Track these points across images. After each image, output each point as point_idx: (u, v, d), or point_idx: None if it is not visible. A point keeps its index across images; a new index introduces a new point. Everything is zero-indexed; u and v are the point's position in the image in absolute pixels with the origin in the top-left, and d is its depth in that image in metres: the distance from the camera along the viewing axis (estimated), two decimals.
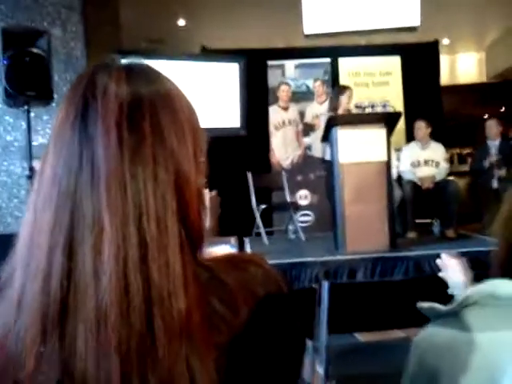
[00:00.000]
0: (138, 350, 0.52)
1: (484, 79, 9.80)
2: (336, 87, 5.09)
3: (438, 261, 1.32)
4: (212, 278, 0.60)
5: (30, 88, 3.14)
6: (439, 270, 1.37)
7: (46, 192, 0.56)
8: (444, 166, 5.14)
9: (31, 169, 3.23)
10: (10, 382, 0.53)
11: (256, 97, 5.69)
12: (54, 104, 3.76)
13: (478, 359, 0.62)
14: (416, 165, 5.12)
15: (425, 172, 5.06)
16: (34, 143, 3.56)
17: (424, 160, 5.12)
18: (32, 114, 3.38)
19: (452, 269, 1.25)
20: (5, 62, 3.07)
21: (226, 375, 0.56)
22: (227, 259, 0.65)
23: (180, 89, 0.62)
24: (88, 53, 4.29)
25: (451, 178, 5.43)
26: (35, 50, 3.17)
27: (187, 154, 0.59)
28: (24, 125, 3.28)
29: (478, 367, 0.62)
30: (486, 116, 11.18)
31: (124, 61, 0.62)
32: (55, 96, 3.45)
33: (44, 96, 3.24)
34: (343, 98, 4.65)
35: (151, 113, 0.57)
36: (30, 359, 0.52)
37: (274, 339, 0.62)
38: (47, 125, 4.13)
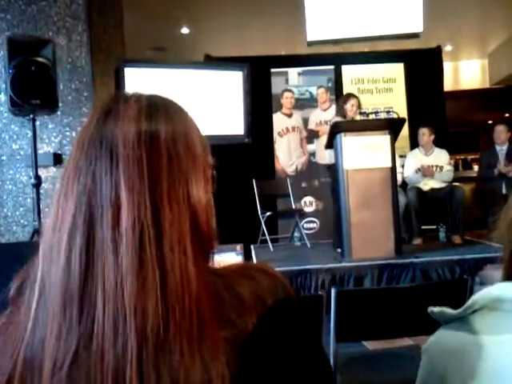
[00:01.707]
0: (153, 325, 0.54)
1: (487, 85, 9.81)
2: (342, 96, 5.10)
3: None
4: (223, 284, 0.61)
5: (36, 97, 3.15)
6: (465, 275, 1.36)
7: (69, 183, 0.60)
8: (448, 168, 5.16)
9: (37, 177, 3.23)
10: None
11: (260, 104, 5.71)
12: (59, 112, 3.78)
13: (487, 363, 0.62)
14: (420, 171, 5.13)
15: (429, 179, 5.08)
16: (39, 151, 3.58)
17: (428, 166, 5.13)
18: (37, 123, 3.39)
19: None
20: (10, 71, 3.09)
21: (236, 377, 0.57)
22: (237, 268, 0.66)
23: (195, 123, 0.67)
24: (93, 61, 4.31)
25: (457, 183, 5.41)
26: (40, 59, 3.19)
27: (196, 169, 0.63)
28: (29, 133, 3.29)
29: (486, 371, 0.62)
30: (489, 122, 11.18)
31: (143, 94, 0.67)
32: (60, 104, 3.47)
33: (49, 105, 3.25)
34: (347, 107, 4.66)
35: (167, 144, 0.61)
36: (52, 332, 0.55)
37: (283, 345, 0.62)
38: (52, 133, 4.15)
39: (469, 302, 0.68)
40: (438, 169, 5.13)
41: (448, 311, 0.70)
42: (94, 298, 0.55)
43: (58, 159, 4.09)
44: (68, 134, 4.15)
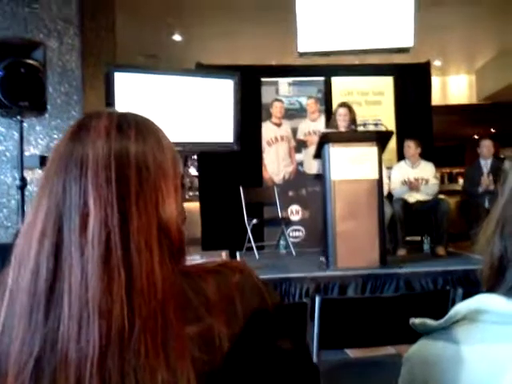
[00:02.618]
0: (119, 326, 0.56)
1: (474, 101, 9.95)
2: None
3: None
4: (190, 283, 0.62)
5: (24, 98, 3.14)
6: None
7: (42, 191, 0.62)
8: (433, 182, 5.21)
9: (22, 179, 3.21)
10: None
11: (249, 113, 5.73)
12: (47, 115, 3.76)
13: (466, 373, 0.63)
14: (406, 183, 5.18)
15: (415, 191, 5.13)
16: (25, 153, 3.55)
17: (414, 178, 5.18)
18: (25, 125, 3.38)
19: None
20: (0, 72, 3.07)
21: (203, 376, 0.58)
22: (208, 265, 0.67)
23: (166, 138, 0.70)
24: (83, 65, 4.31)
25: (442, 196, 5.47)
26: (30, 62, 3.18)
27: (166, 176, 0.66)
28: (16, 135, 3.27)
29: (465, 381, 0.63)
30: (476, 136, 11.34)
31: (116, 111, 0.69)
32: (49, 107, 3.45)
33: (37, 107, 3.24)
34: (337, 118, 4.70)
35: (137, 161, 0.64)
36: (17, 336, 0.56)
37: (256, 346, 0.63)
38: (39, 135, 4.13)
39: (450, 313, 0.69)
40: (424, 182, 5.18)
41: (429, 322, 0.71)
42: (60, 301, 0.57)
43: (44, 161, 4.06)
44: (56, 136, 4.14)
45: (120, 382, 0.54)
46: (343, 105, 4.86)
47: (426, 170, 5.25)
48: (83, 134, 0.63)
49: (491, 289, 0.68)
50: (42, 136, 4.13)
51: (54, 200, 0.60)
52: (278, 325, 0.67)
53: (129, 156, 0.62)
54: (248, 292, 0.64)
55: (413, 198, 5.10)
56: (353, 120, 4.75)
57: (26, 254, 0.59)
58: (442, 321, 0.70)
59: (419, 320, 0.72)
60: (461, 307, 0.68)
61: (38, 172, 4.05)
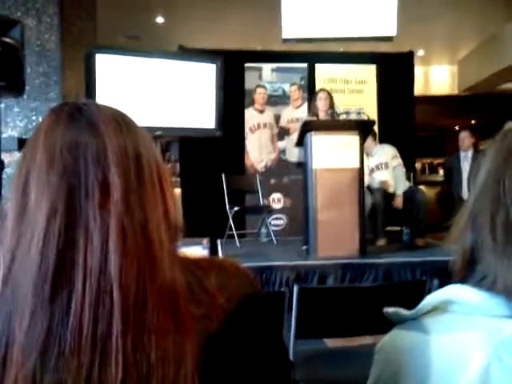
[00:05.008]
0: (136, 302, 0.57)
1: (455, 92, 10.04)
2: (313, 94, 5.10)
3: None
4: (192, 269, 0.66)
5: (1, 78, 3.04)
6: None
7: (42, 164, 0.61)
8: (394, 163, 4.99)
9: (0, 162, 3.14)
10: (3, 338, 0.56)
11: (232, 98, 5.69)
12: (25, 96, 3.67)
13: (436, 362, 0.65)
14: (370, 173, 5.09)
15: (379, 177, 5.00)
16: (3, 135, 3.47)
17: (375, 166, 5.05)
18: (2, 106, 3.29)
19: None
20: None
21: (204, 370, 0.60)
22: (206, 261, 0.70)
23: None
24: (62, 46, 4.20)
25: (421, 186, 5.51)
26: (8, 40, 3.08)
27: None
28: None
29: (435, 370, 0.65)
30: (456, 128, 11.47)
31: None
32: (27, 88, 3.36)
33: (15, 88, 3.14)
34: (317, 102, 4.68)
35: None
36: (24, 315, 0.56)
37: (249, 340, 0.66)
38: (17, 117, 4.03)
39: (421, 304, 0.71)
40: (383, 166, 5.02)
41: (402, 312, 0.72)
42: (71, 276, 0.57)
43: (22, 144, 3.98)
44: (34, 118, 4.04)
45: (134, 354, 0.56)
46: (323, 89, 4.85)
47: (384, 153, 5.07)
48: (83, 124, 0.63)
49: (462, 280, 0.70)
50: (21, 118, 4.04)
51: (63, 173, 0.60)
52: (263, 314, 0.69)
53: (127, 149, 0.64)
54: (247, 289, 0.68)
55: (392, 188, 5.12)
56: (331, 105, 4.72)
57: (30, 232, 0.58)
58: (414, 311, 0.72)
59: (392, 309, 0.74)
60: (432, 298, 0.70)
61: (16, 155, 3.96)
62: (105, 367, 0.55)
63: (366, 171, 4.90)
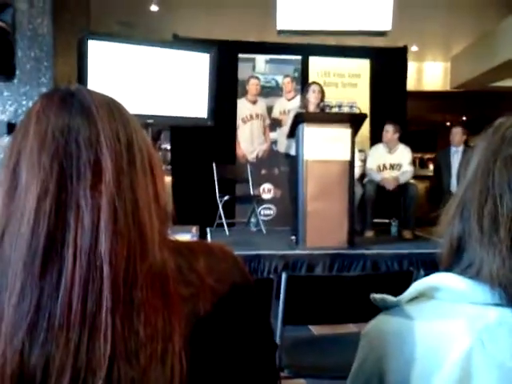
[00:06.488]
0: (125, 278, 0.58)
1: (448, 88, 10.07)
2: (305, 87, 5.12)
3: None
4: (182, 251, 0.66)
5: None
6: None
7: (34, 146, 0.61)
8: (407, 168, 5.15)
9: None
10: None
11: (225, 89, 5.67)
12: (15, 80, 3.64)
13: (420, 348, 0.66)
14: (381, 169, 5.18)
15: (389, 175, 5.10)
16: None
17: (390, 164, 5.15)
18: None
19: None
20: None
21: (192, 348, 0.60)
22: (196, 244, 0.72)
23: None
24: (55, 30, 4.16)
25: (412, 181, 5.54)
26: None
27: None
28: None
29: (419, 355, 0.66)
30: (448, 123, 11.52)
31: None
32: (17, 72, 3.34)
33: (6, 72, 3.13)
34: (308, 95, 4.69)
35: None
36: (14, 291, 0.56)
37: (238, 322, 0.66)
38: (8, 101, 3.99)
39: (408, 290, 0.72)
40: (399, 167, 5.14)
41: (388, 298, 0.73)
42: (62, 254, 0.57)
43: (12, 128, 3.95)
44: (24, 103, 4.01)
45: (122, 329, 0.57)
46: (316, 82, 4.88)
47: (403, 156, 5.19)
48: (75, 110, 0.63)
49: (448, 268, 0.71)
50: (11, 102, 4.00)
51: (55, 153, 0.60)
52: (257, 300, 0.71)
53: (119, 135, 0.64)
54: (237, 275, 0.69)
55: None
56: (322, 99, 4.75)
57: (20, 211, 0.58)
58: (400, 297, 0.72)
59: (379, 296, 0.74)
60: (417, 285, 0.71)
61: (6, 139, 3.93)
62: (93, 343, 0.55)
63: (358, 163, 4.94)
